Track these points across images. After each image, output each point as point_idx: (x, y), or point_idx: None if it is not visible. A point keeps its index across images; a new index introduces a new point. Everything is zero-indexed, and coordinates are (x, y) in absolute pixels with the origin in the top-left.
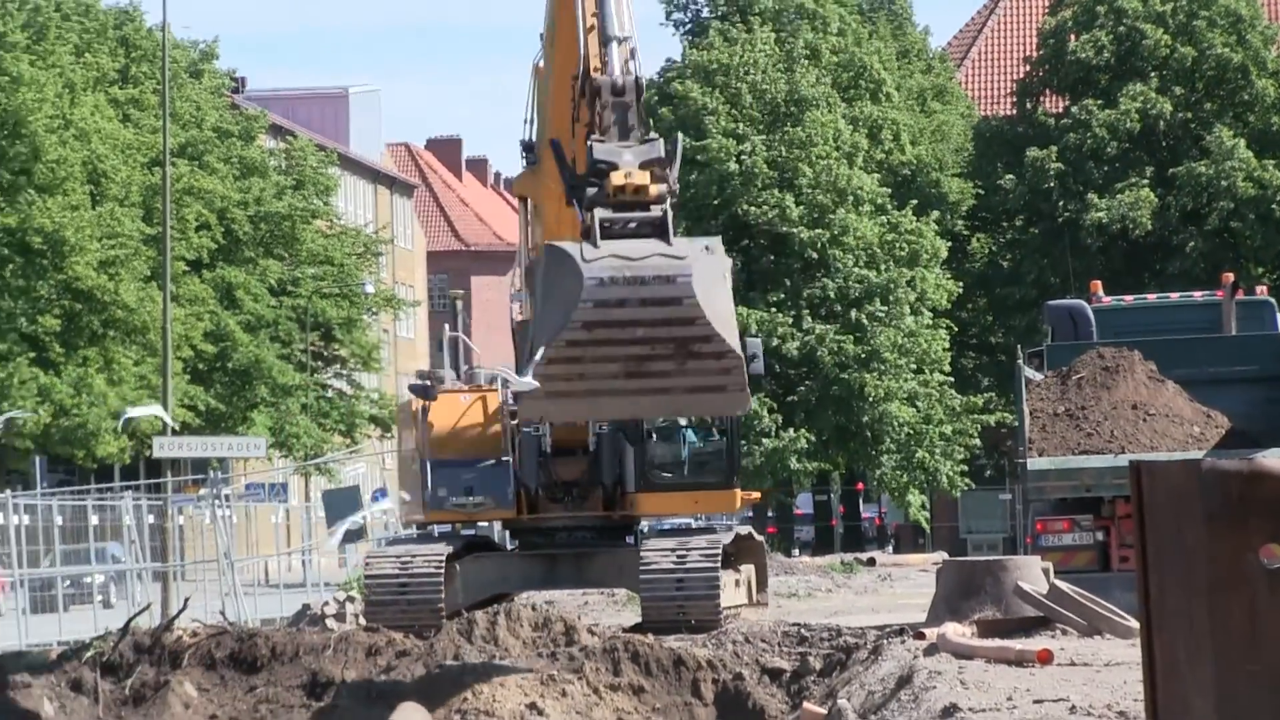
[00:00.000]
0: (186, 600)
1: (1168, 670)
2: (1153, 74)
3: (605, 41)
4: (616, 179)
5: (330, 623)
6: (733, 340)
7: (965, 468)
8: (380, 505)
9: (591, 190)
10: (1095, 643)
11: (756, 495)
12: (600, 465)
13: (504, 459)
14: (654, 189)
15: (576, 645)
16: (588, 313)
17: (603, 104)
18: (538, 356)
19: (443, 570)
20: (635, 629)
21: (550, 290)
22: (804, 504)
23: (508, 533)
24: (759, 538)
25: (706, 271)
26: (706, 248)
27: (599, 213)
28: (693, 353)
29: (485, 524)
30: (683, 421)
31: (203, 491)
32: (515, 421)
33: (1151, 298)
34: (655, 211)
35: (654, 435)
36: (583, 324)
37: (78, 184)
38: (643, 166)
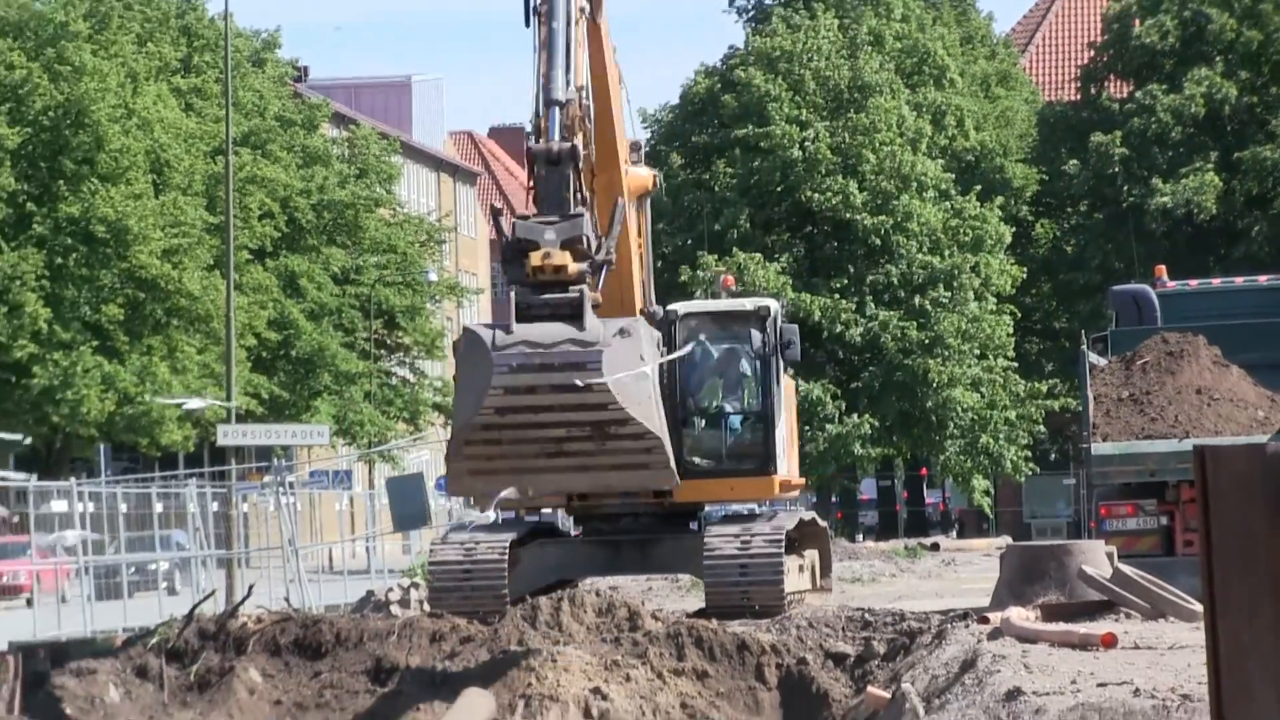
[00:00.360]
0: (251, 587)
1: (1231, 656)
2: (1218, 58)
3: (547, 104)
4: (535, 258)
5: (394, 609)
6: (651, 421)
7: (1029, 453)
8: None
9: (513, 268)
10: (1159, 626)
11: (800, 482)
12: None
13: None
14: (573, 269)
15: (640, 630)
16: (498, 399)
17: (537, 174)
18: (454, 439)
19: (507, 556)
20: (699, 614)
21: (465, 373)
22: (868, 489)
23: (571, 519)
24: (823, 523)
25: (620, 355)
26: (622, 330)
27: (515, 294)
28: (610, 434)
29: (549, 510)
30: (725, 408)
31: (267, 479)
32: None
33: (1216, 282)
34: (573, 293)
35: (691, 422)
36: (495, 409)
37: (141, 173)
38: (565, 245)
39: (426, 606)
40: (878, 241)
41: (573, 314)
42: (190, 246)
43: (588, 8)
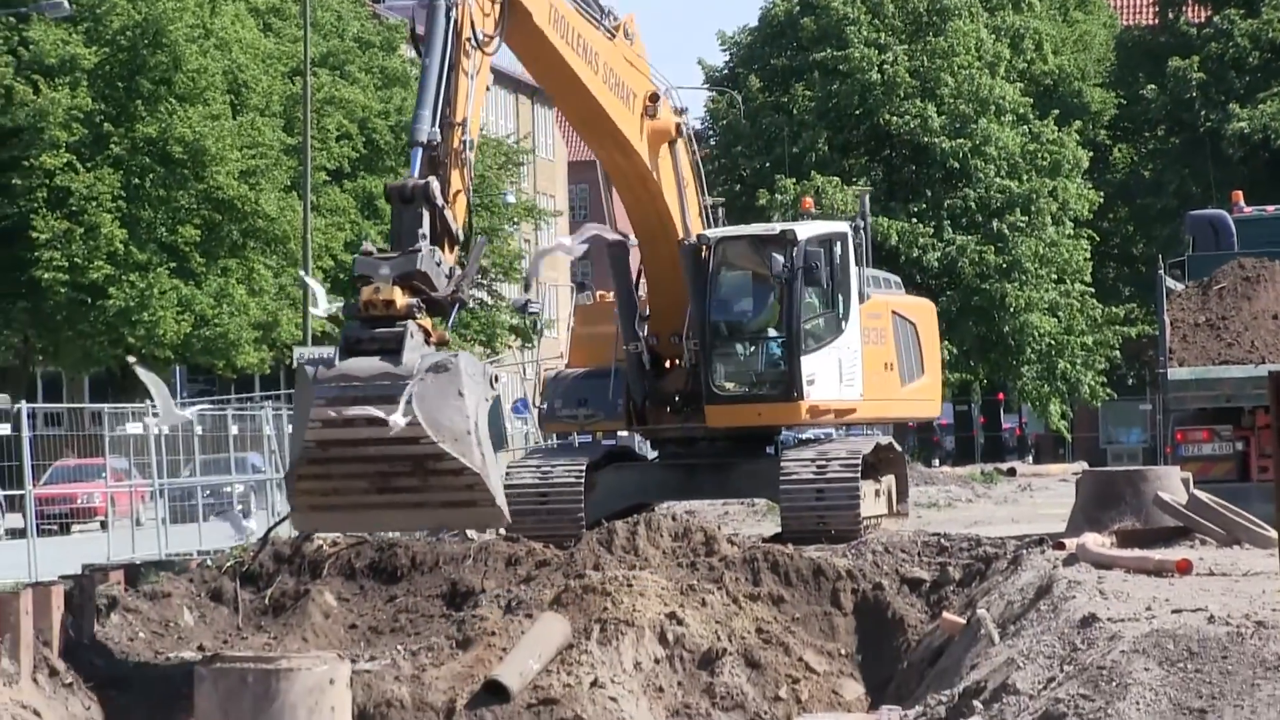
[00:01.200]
0: None
1: None
2: None
3: (410, 143)
4: (365, 293)
5: (470, 533)
6: (470, 456)
7: (1106, 378)
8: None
9: (349, 304)
10: (1234, 552)
11: (831, 407)
12: (699, 378)
13: (614, 371)
14: (402, 304)
15: (716, 555)
16: (318, 432)
17: (392, 210)
18: (287, 474)
19: (583, 480)
20: (775, 539)
21: (296, 407)
22: (945, 414)
23: (648, 443)
24: (899, 448)
25: (434, 389)
26: (438, 365)
27: (346, 328)
28: (429, 470)
29: (625, 434)
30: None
31: None
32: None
33: None
34: (398, 327)
35: (718, 348)
36: (316, 443)
37: (218, 94)
38: (400, 280)
39: (503, 530)
40: (955, 165)
41: (396, 349)
42: (267, 168)
43: (494, 36)
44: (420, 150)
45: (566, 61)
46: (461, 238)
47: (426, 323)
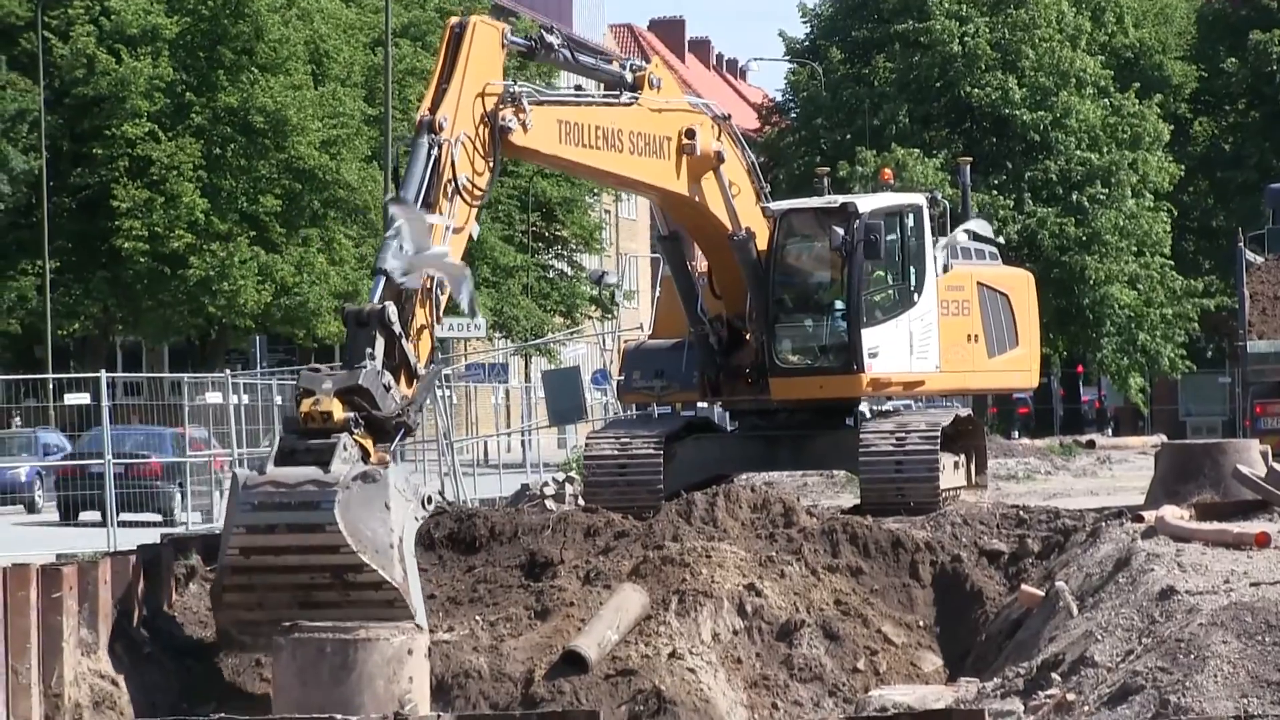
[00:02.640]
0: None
1: None
2: None
3: (373, 270)
4: (305, 405)
5: (549, 503)
6: (390, 569)
7: (1185, 350)
8: None
9: (289, 417)
10: None
11: (897, 380)
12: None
13: (688, 343)
14: (340, 417)
15: (795, 527)
16: (242, 538)
17: (348, 330)
18: (213, 584)
19: (662, 451)
20: (854, 510)
21: (227, 514)
22: None
23: (727, 414)
24: (979, 420)
25: (359, 498)
26: (365, 475)
27: (282, 439)
28: (349, 582)
29: (704, 405)
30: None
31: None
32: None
33: None
34: (332, 439)
35: (780, 320)
36: (240, 549)
37: (300, 64)
38: (341, 394)
39: (581, 501)
40: (1036, 138)
41: (327, 459)
42: (348, 138)
43: (484, 191)
44: (382, 278)
45: (586, 163)
46: (421, 372)
47: (367, 442)
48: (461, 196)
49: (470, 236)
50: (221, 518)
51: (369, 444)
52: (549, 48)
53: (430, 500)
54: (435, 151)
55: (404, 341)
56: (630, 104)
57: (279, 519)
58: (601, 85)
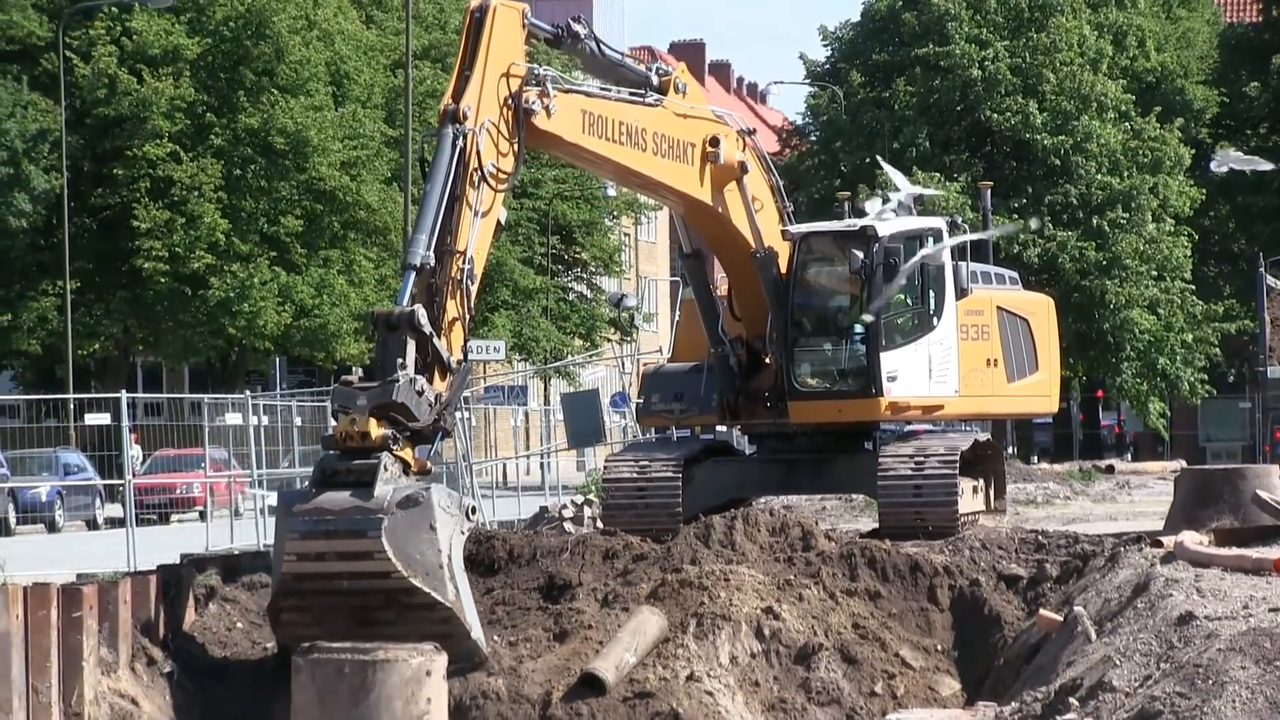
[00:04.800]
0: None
1: None
2: None
3: (403, 266)
4: (342, 425)
5: (568, 526)
6: (442, 590)
7: (1205, 375)
8: None
9: (327, 435)
10: None
11: (915, 404)
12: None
13: (708, 366)
14: (376, 435)
15: (813, 550)
16: (292, 565)
17: (377, 337)
18: (269, 606)
19: (681, 474)
20: (872, 534)
21: (276, 537)
22: None
23: (746, 437)
24: (998, 444)
25: (405, 522)
26: (409, 498)
27: (323, 460)
28: (403, 604)
29: (723, 429)
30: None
31: None
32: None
33: None
34: (372, 459)
35: (800, 343)
36: (292, 575)
37: (321, 85)
38: (376, 410)
39: (600, 524)
40: (1057, 162)
41: (369, 481)
42: (369, 159)
43: (510, 174)
44: (411, 274)
45: (609, 157)
46: (455, 366)
47: (406, 454)
48: (488, 182)
49: (499, 222)
50: (238, 541)
51: (408, 455)
52: (575, 37)
53: (474, 511)
54: (460, 141)
55: (435, 339)
56: (655, 105)
57: (328, 547)
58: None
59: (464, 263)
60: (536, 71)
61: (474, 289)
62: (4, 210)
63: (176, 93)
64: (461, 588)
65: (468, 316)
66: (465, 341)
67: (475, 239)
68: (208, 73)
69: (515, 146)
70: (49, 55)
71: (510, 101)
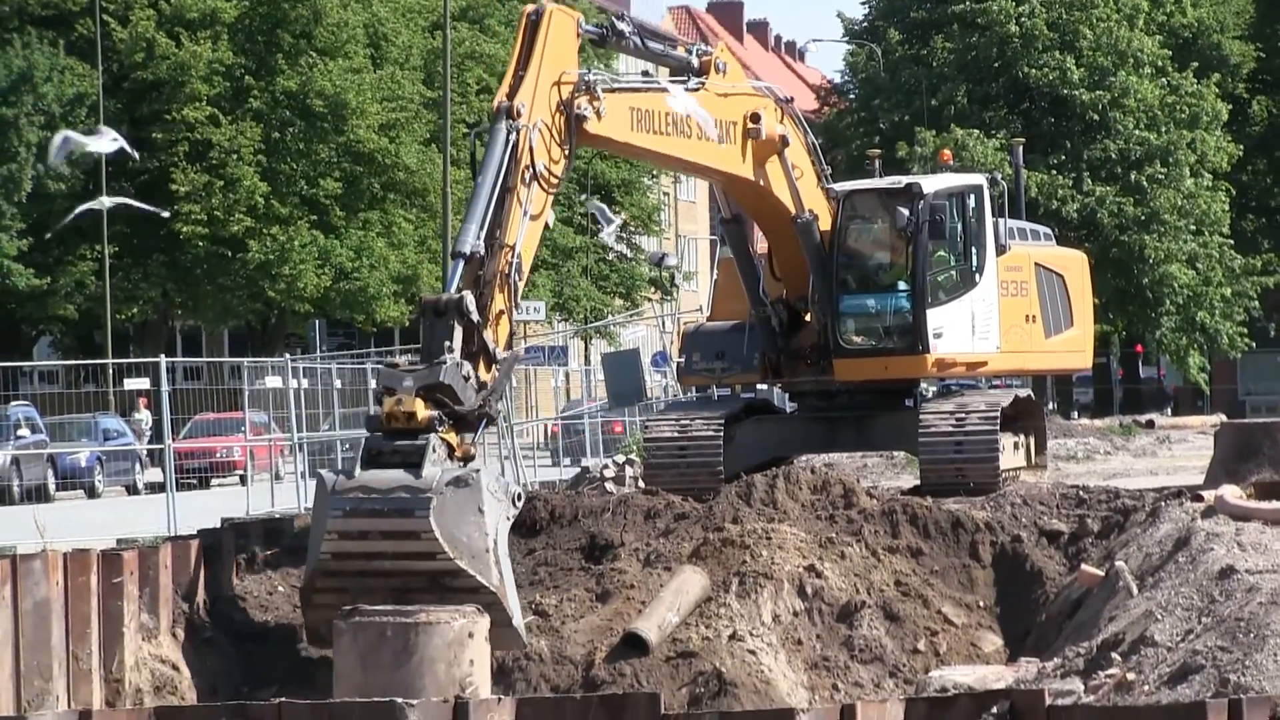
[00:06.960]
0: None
1: None
2: None
3: (453, 254)
4: (388, 405)
5: (609, 486)
6: (487, 575)
7: (1245, 329)
8: None
9: (371, 416)
10: None
11: (960, 360)
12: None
13: (749, 325)
14: (423, 416)
15: (855, 508)
16: (333, 544)
17: (424, 322)
18: (304, 585)
19: (722, 433)
20: (914, 491)
21: (314, 517)
22: None
23: (787, 396)
24: (1038, 400)
25: (453, 503)
26: (459, 479)
27: (368, 440)
28: (446, 587)
29: (764, 387)
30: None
31: None
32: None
33: None
34: (420, 440)
35: (844, 301)
36: (331, 554)
37: (359, 47)
38: (423, 391)
39: (641, 483)
40: (1095, 117)
41: (416, 462)
42: (408, 121)
43: (559, 178)
44: (461, 263)
45: (657, 150)
46: (500, 357)
47: (451, 436)
48: (539, 183)
49: (546, 224)
50: (279, 505)
51: (454, 438)
52: (620, 35)
53: (520, 498)
54: (513, 137)
55: (483, 329)
56: (697, 89)
57: (372, 525)
58: (668, 71)
59: (513, 257)
60: (587, 78)
61: (520, 285)
62: (42, 174)
63: (214, 56)
64: (505, 574)
65: (513, 311)
66: (510, 334)
67: (524, 239)
68: (245, 36)
69: (566, 152)
70: (86, 19)
71: (563, 108)
